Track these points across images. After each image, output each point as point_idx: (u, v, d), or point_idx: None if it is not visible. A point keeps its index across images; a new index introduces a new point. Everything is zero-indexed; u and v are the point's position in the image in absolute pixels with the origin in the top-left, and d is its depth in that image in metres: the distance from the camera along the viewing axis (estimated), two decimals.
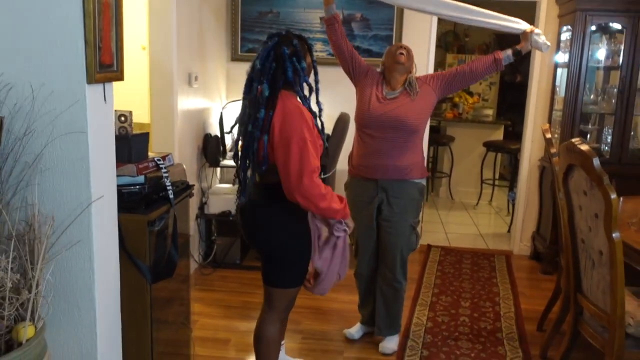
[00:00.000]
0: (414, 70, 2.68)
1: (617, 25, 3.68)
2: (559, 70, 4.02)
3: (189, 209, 2.48)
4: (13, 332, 1.43)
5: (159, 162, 2.15)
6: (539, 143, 4.15)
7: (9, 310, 1.40)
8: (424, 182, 2.72)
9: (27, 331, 1.42)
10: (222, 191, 3.83)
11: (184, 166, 2.48)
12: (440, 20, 4.07)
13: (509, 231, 4.86)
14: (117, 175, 1.88)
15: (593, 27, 3.65)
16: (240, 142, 2.07)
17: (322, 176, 2.15)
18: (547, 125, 3.30)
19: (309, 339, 2.93)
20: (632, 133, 3.75)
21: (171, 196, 2.12)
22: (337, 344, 2.89)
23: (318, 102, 2.05)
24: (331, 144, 3.77)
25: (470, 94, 6.52)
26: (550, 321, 2.87)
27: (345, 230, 2.11)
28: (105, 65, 1.66)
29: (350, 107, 2.88)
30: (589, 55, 3.68)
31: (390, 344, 2.79)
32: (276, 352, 2.22)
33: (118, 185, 1.88)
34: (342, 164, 3.68)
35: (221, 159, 3.83)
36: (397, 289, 2.74)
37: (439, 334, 2.98)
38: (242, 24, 4.21)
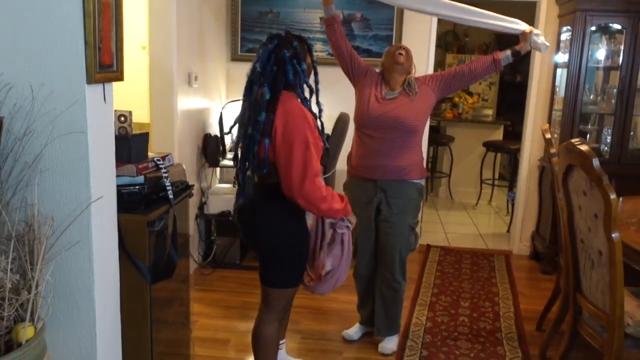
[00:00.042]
0: (413, 70, 2.68)
1: (617, 26, 3.68)
2: (559, 71, 4.02)
3: (188, 209, 2.48)
4: (13, 333, 1.43)
5: (158, 162, 2.15)
6: (538, 143, 4.16)
7: (8, 311, 1.40)
8: (422, 182, 2.72)
9: (26, 332, 1.42)
10: (222, 191, 3.83)
11: (184, 166, 2.48)
12: (440, 20, 4.07)
13: (508, 231, 4.86)
14: (117, 176, 1.88)
15: (593, 28, 3.65)
16: (239, 144, 2.07)
17: (323, 176, 2.15)
18: (547, 125, 3.30)
19: (308, 339, 2.93)
20: (631, 133, 3.76)
21: (171, 196, 2.12)
22: (337, 344, 2.90)
23: (318, 103, 2.05)
24: (331, 144, 3.76)
25: (470, 94, 6.52)
26: (550, 321, 2.87)
27: (347, 227, 2.13)
28: (105, 65, 1.66)
29: (349, 107, 2.88)
30: (588, 56, 3.68)
31: (390, 344, 2.79)
32: (274, 351, 2.22)
33: (118, 186, 1.88)
34: (341, 164, 3.68)
35: (221, 159, 3.83)
36: (396, 290, 2.74)
37: (439, 334, 2.98)
38: (242, 24, 4.21)
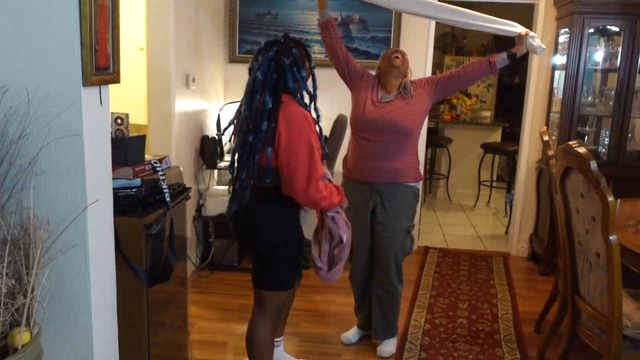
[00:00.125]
0: (409, 74, 2.68)
1: (614, 28, 3.69)
2: (557, 73, 4.03)
3: (185, 212, 2.47)
4: (8, 338, 1.42)
5: (155, 165, 2.15)
6: (536, 145, 4.16)
7: (4, 315, 1.39)
8: (418, 185, 2.72)
9: (22, 337, 1.41)
10: (220, 193, 3.82)
11: (181, 168, 2.47)
12: (438, 23, 4.07)
13: (506, 233, 4.86)
14: (114, 178, 1.87)
15: (591, 30, 3.65)
16: (236, 152, 2.04)
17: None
18: (545, 127, 3.30)
19: (306, 342, 2.93)
20: (629, 135, 3.76)
21: (168, 199, 2.12)
22: (335, 346, 2.89)
23: (316, 109, 2.06)
24: (329, 145, 3.75)
25: (468, 95, 6.52)
26: (548, 323, 2.87)
27: (337, 211, 2.14)
28: (101, 67, 1.66)
29: (347, 109, 2.87)
30: (586, 58, 3.68)
31: (388, 347, 2.79)
32: (269, 353, 2.21)
33: (114, 188, 1.87)
34: (339, 166, 3.68)
35: (218, 161, 3.82)
36: (393, 294, 2.73)
37: (437, 336, 2.98)
38: (240, 25, 4.20)
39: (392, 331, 2.82)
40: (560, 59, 3.96)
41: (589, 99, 3.86)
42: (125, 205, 1.96)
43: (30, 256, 1.47)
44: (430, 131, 5.11)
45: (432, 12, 2.67)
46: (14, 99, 1.54)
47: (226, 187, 3.97)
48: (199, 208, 3.79)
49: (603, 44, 3.78)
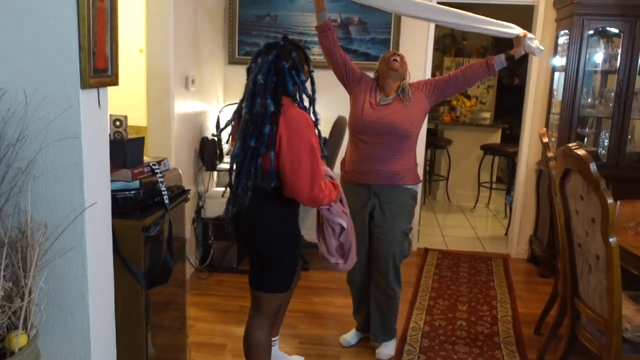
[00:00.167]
0: (408, 77, 2.68)
1: (614, 30, 3.69)
2: (557, 74, 4.02)
3: (184, 214, 2.47)
4: (5, 341, 1.42)
5: (154, 167, 2.14)
6: (536, 146, 4.15)
7: (1, 318, 1.39)
8: (417, 188, 2.72)
9: (19, 340, 1.41)
10: (219, 195, 3.81)
11: (180, 171, 2.47)
12: (437, 24, 4.07)
13: (506, 234, 4.85)
14: (112, 181, 1.87)
15: (590, 31, 3.65)
16: (237, 156, 2.03)
17: None
18: (544, 129, 3.30)
19: (305, 344, 2.92)
20: (629, 137, 3.76)
21: (166, 201, 2.11)
22: (334, 348, 2.88)
23: (315, 112, 2.06)
24: (329, 147, 3.75)
25: (468, 97, 6.52)
26: (548, 325, 2.86)
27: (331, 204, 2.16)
28: (99, 70, 1.65)
29: (347, 111, 2.87)
30: (586, 59, 3.68)
31: (387, 349, 2.78)
32: (267, 356, 2.21)
33: (113, 191, 1.87)
34: (338, 168, 3.67)
35: (218, 162, 3.82)
36: (391, 296, 2.73)
37: (436, 338, 2.97)
38: (240, 27, 4.20)
39: (391, 333, 2.81)
40: (560, 61, 3.95)
41: (589, 100, 3.85)
42: (123, 207, 1.96)
43: (28, 259, 1.46)
44: (429, 132, 5.10)
45: (430, 14, 2.67)
46: (11, 102, 1.54)
47: (226, 188, 3.97)
48: (199, 210, 3.79)
49: (603, 46, 3.78)
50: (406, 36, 4.09)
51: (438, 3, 3.97)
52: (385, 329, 2.78)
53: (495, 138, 6.02)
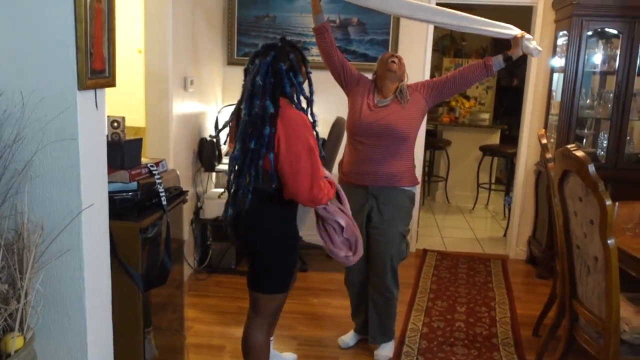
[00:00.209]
0: (406, 78, 2.68)
1: (613, 31, 3.68)
2: (555, 75, 4.02)
3: (182, 215, 2.46)
4: (1, 344, 1.41)
5: (152, 169, 2.14)
6: (535, 147, 4.15)
7: None
8: (414, 190, 2.71)
9: (15, 342, 1.41)
10: (218, 196, 3.81)
11: (178, 172, 2.46)
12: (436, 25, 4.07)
13: (505, 235, 4.85)
14: (110, 182, 1.87)
15: (589, 32, 3.65)
16: (237, 158, 2.03)
17: None
18: (543, 130, 3.30)
19: (303, 345, 2.92)
20: (627, 138, 3.76)
21: (164, 203, 2.11)
22: (332, 350, 2.88)
23: (312, 114, 2.06)
24: (327, 148, 3.75)
25: (467, 98, 6.52)
26: (546, 326, 2.86)
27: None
28: (96, 71, 1.65)
29: (346, 111, 2.86)
30: (585, 60, 3.68)
31: (385, 351, 2.78)
32: (265, 357, 2.21)
33: (110, 192, 1.87)
34: (336, 169, 3.67)
35: (217, 163, 3.81)
36: (389, 298, 2.72)
37: (435, 340, 2.97)
38: (239, 27, 4.20)
39: (389, 335, 2.81)
40: (558, 62, 3.95)
41: (588, 101, 3.85)
42: (121, 209, 1.96)
43: (24, 261, 1.46)
44: (429, 133, 5.10)
45: (427, 15, 2.67)
46: (8, 103, 1.53)
47: (224, 190, 3.97)
48: (197, 211, 3.78)
49: (602, 47, 3.78)
50: (405, 37, 4.09)
51: (437, 4, 4.00)
52: (383, 330, 2.78)
53: (494, 139, 6.02)
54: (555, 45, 3.98)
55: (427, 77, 4.12)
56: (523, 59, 3.01)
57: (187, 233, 3.61)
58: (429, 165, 6.05)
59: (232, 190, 2.07)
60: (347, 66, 2.72)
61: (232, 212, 2.06)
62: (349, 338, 2.91)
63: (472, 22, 2.60)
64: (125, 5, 3.59)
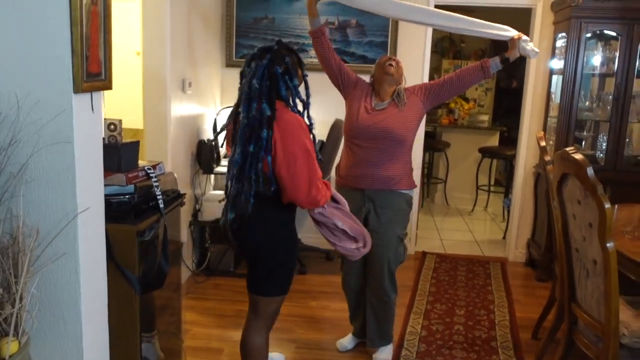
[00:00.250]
0: (404, 81, 2.67)
1: (611, 33, 3.68)
2: (554, 77, 4.02)
3: (180, 218, 2.45)
4: None
5: (149, 171, 2.13)
6: (534, 150, 4.14)
7: None
8: (412, 193, 2.70)
9: (10, 347, 1.40)
10: (216, 198, 3.80)
11: (175, 175, 2.45)
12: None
13: (504, 238, 4.84)
14: (106, 185, 1.86)
15: (588, 34, 3.64)
16: (237, 163, 2.01)
17: None
18: (542, 133, 3.29)
19: (302, 348, 2.91)
20: (627, 140, 3.75)
21: (161, 206, 2.10)
22: (331, 353, 2.87)
23: (309, 117, 2.06)
24: (326, 150, 3.75)
25: (466, 99, 6.52)
26: (545, 329, 2.85)
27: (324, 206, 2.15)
28: (92, 74, 1.64)
29: (344, 114, 2.86)
30: (584, 62, 3.67)
31: (383, 354, 2.76)
32: None
33: (107, 195, 1.86)
34: (335, 171, 3.66)
35: (215, 165, 3.81)
36: (387, 302, 2.71)
37: (434, 343, 2.96)
38: (237, 29, 4.19)
39: (388, 339, 2.79)
40: (557, 64, 3.95)
41: (587, 103, 3.85)
42: (118, 211, 1.95)
43: (19, 265, 1.45)
44: (428, 135, 5.10)
45: (424, 18, 2.66)
46: (3, 106, 1.53)
47: (223, 192, 3.95)
48: (195, 213, 3.77)
49: (600, 49, 3.78)
50: (404, 39, 4.09)
51: (436, 5, 3.99)
52: (381, 334, 2.77)
53: (494, 141, 6.01)
54: (554, 47, 3.98)
55: (426, 78, 4.11)
56: (522, 60, 3.00)
57: (185, 235, 3.60)
58: (428, 167, 6.04)
59: (231, 194, 2.06)
60: (344, 69, 2.71)
61: (233, 216, 2.04)
62: (347, 341, 2.90)
63: (468, 24, 2.59)
64: (124, 8, 3.59)
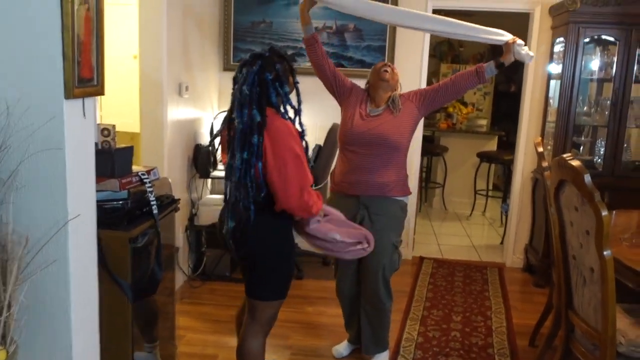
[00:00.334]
0: (399, 88, 2.66)
1: (610, 38, 3.67)
2: (552, 82, 4.01)
3: (174, 223, 2.44)
4: None
5: (143, 177, 2.12)
6: (532, 155, 4.13)
7: None
8: (406, 200, 2.69)
9: None
10: (213, 202, 3.78)
11: (170, 180, 2.44)
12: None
13: (502, 243, 4.83)
14: (99, 191, 1.84)
15: (586, 39, 3.64)
16: (234, 170, 2.00)
17: (314, 188, 2.14)
18: (540, 138, 3.28)
19: (298, 355, 2.89)
20: (625, 145, 3.74)
21: (155, 211, 2.08)
22: (327, 359, 2.85)
23: (301, 123, 2.05)
24: (323, 154, 3.73)
25: (465, 103, 6.51)
26: (542, 336, 2.83)
27: (318, 221, 2.16)
28: (84, 79, 1.62)
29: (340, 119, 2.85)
30: (582, 67, 3.67)
31: None
32: None
33: (99, 201, 1.84)
34: (329, 178, 3.65)
35: (212, 170, 3.79)
36: (381, 310, 2.69)
37: (430, 350, 2.94)
38: (235, 33, 4.19)
39: (383, 345, 2.77)
40: (555, 68, 3.94)
41: (585, 108, 3.84)
42: (110, 218, 1.94)
43: (8, 272, 1.43)
44: (426, 139, 5.09)
45: (419, 23, 2.65)
46: None
47: (219, 197, 3.94)
48: (192, 217, 3.75)
49: (598, 54, 3.77)
50: (401, 43, 4.08)
51: (434, 9, 3.99)
52: (376, 341, 2.75)
53: (492, 145, 6.00)
54: (552, 52, 3.97)
55: (424, 82, 4.10)
56: (520, 64, 2.99)
57: (181, 240, 3.58)
58: (426, 172, 6.03)
59: (230, 201, 2.04)
60: (338, 76, 2.70)
61: (233, 225, 2.02)
62: (343, 348, 2.88)
63: (463, 29, 2.58)
64: (121, 11, 3.58)
